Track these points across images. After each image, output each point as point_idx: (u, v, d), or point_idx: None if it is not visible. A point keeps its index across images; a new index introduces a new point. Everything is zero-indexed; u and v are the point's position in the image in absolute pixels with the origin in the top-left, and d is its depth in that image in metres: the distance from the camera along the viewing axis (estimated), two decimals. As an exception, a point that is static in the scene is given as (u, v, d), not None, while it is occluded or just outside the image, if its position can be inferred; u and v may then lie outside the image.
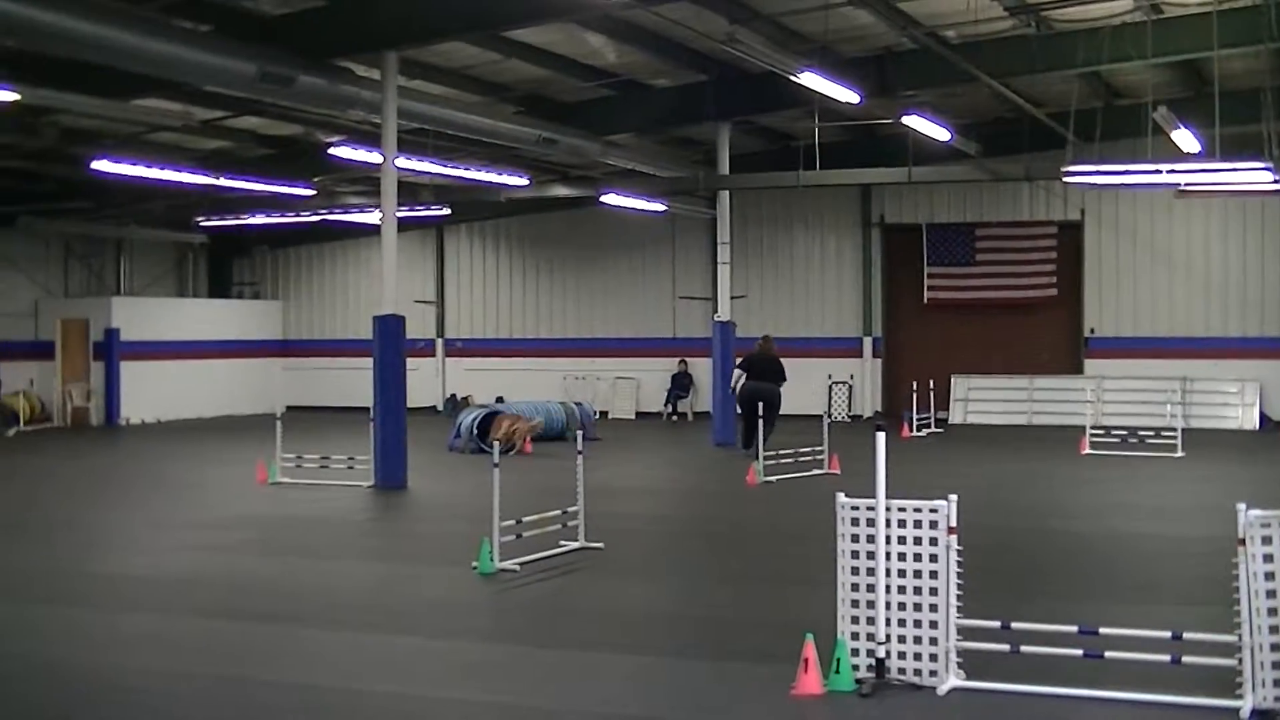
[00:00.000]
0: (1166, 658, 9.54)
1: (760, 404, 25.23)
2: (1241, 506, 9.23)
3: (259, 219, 36.54)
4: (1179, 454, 26.65)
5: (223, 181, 30.39)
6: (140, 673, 10.72)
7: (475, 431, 28.44)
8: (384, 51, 22.14)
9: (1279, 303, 35.03)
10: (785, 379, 27.65)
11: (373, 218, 32.38)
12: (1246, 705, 9.05)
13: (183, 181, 29.83)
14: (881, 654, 9.82)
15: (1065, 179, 28.68)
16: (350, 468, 22.95)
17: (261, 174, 31.50)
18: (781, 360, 27.88)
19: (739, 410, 27.96)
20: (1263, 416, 34.32)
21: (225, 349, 42.00)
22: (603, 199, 33.56)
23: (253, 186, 31.34)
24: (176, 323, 40.76)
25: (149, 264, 42.60)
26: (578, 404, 32.84)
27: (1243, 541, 9.16)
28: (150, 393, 38.98)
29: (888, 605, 9.83)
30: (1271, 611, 9.06)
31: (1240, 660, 9.17)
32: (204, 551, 16.60)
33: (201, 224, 38.07)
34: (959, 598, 9.80)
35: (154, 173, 27.94)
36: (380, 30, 21.81)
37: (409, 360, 23.81)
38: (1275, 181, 27.78)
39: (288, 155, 32.83)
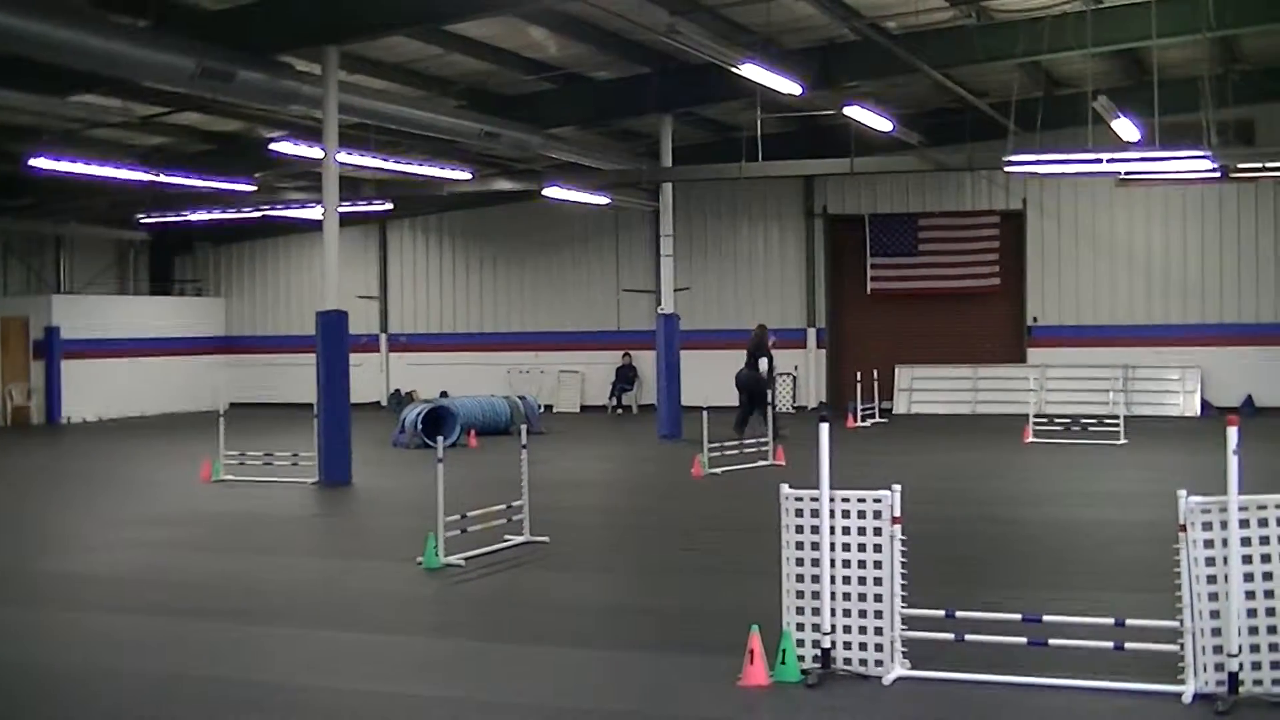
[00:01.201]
0: (1110, 644, 9.59)
1: (742, 391, 27.07)
2: (1182, 493, 9.30)
3: (200, 215, 36.38)
4: (1121, 441, 26.80)
5: (163, 178, 30.19)
6: (88, 671, 10.65)
7: (420, 427, 28.33)
8: (324, 46, 22.01)
9: (1219, 290, 35.31)
10: (760, 366, 28.58)
11: (315, 213, 32.21)
12: (1189, 690, 9.11)
13: (123, 178, 29.61)
14: (827, 644, 9.83)
15: (1007, 168, 28.83)
16: (294, 464, 22.85)
17: (202, 170, 31.31)
18: (765, 347, 28.91)
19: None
20: (1204, 403, 34.55)
21: (168, 346, 41.74)
22: (546, 192, 33.54)
23: (194, 183, 31.16)
24: (118, 320, 40.47)
25: (90, 261, 42.28)
26: (522, 398, 32.77)
27: (1184, 528, 9.22)
28: (92, 391, 38.71)
29: (833, 596, 9.84)
30: (1212, 597, 9.12)
31: (1182, 646, 9.23)
32: (149, 549, 16.50)
33: (142, 221, 37.77)
34: (904, 587, 9.82)
35: (93, 169, 27.77)
36: (320, 25, 21.70)
37: (352, 356, 23.69)
38: (1214, 169, 28.04)
39: (229, 151, 32.63)
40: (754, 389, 27.82)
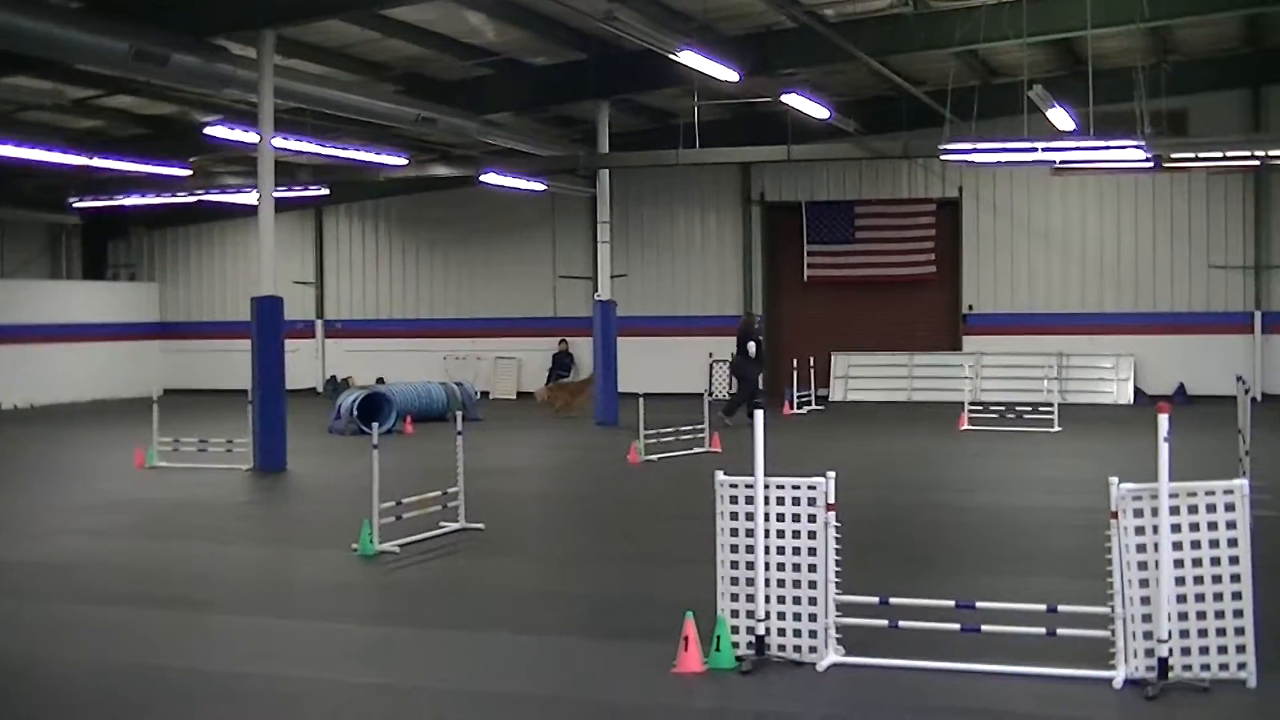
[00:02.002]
0: (1042, 630, 9.66)
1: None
2: (1114, 480, 9.37)
3: (134, 200, 36.09)
4: (1055, 429, 26.98)
5: (96, 161, 29.96)
6: (23, 661, 10.56)
7: (356, 413, 28.24)
8: (260, 30, 21.86)
9: (1153, 279, 35.57)
10: (741, 353, 29.14)
11: (250, 198, 31.98)
12: (1119, 675, 9.19)
13: (54, 161, 29.35)
14: (761, 631, 9.86)
15: (943, 157, 29.02)
16: (229, 450, 22.72)
17: (136, 154, 31.08)
18: (747, 335, 29.39)
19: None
20: (1137, 391, 34.81)
21: (101, 332, 41.37)
22: (483, 178, 33.44)
23: (127, 166, 30.94)
24: (50, 305, 40.08)
25: (21, 246, 41.90)
26: (459, 384, 32.69)
27: (1115, 514, 9.30)
28: (24, 377, 38.27)
29: (767, 583, 9.87)
30: (1143, 583, 9.20)
31: (1113, 631, 9.31)
32: (81, 537, 16.38)
33: (75, 205, 37.44)
34: (838, 574, 9.86)
35: (24, 152, 27.49)
36: (256, 8, 21.58)
37: (288, 342, 23.61)
38: (1148, 159, 28.24)
39: (163, 135, 32.41)
40: (736, 373, 28.04)
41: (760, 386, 27.27)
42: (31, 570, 14.39)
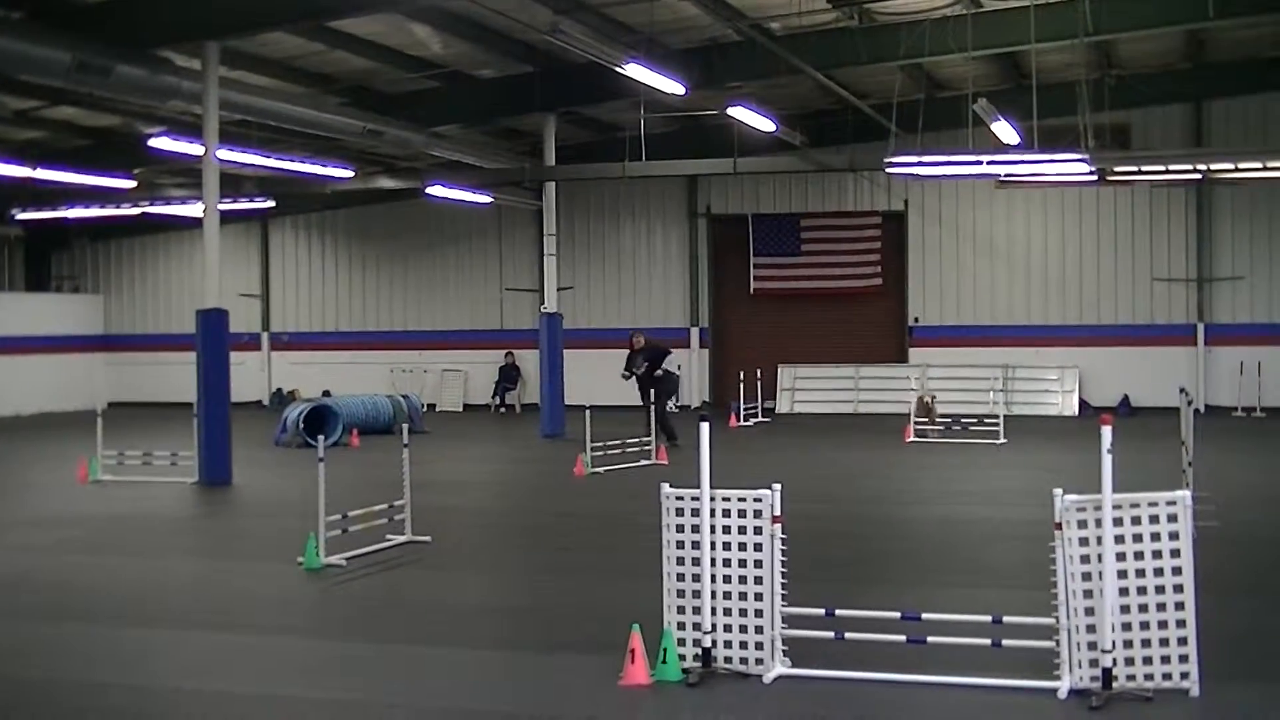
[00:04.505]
0: (988, 641, 9.70)
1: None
2: (1058, 491, 9.42)
3: (78, 211, 35.86)
4: (1001, 440, 27.10)
5: (39, 173, 29.76)
6: (-45, 677, 10.49)
7: (302, 426, 28.14)
8: (205, 41, 21.78)
9: (1097, 292, 35.81)
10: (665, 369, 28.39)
11: (195, 210, 31.80)
12: (1064, 685, 9.24)
13: (-4, 172, 29.17)
14: (708, 643, 9.86)
15: (888, 169, 29.11)
16: (174, 464, 22.60)
17: (80, 165, 30.92)
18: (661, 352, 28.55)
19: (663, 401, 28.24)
20: (1082, 403, 35.01)
21: (44, 344, 41.08)
22: (429, 191, 33.35)
23: (71, 178, 30.76)
24: (-8, 318, 39.84)
25: (-38, 258, 41.64)
26: (405, 396, 32.65)
27: (1059, 526, 9.35)
28: (-35, 390, 38.08)
29: (714, 595, 9.88)
30: (1087, 594, 9.25)
31: (1057, 642, 9.36)
32: (24, 552, 16.23)
33: (17, 216, 37.19)
34: (784, 586, 9.88)
35: (-35, 163, 27.33)
36: (201, 20, 21.47)
37: (234, 355, 23.49)
38: (1091, 173, 28.42)
39: (107, 146, 32.24)
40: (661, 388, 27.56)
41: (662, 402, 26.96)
42: (-29, 585, 14.28)
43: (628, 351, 28.13)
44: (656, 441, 24.82)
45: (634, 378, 27.79)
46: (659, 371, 27.78)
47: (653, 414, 25.53)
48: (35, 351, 40.54)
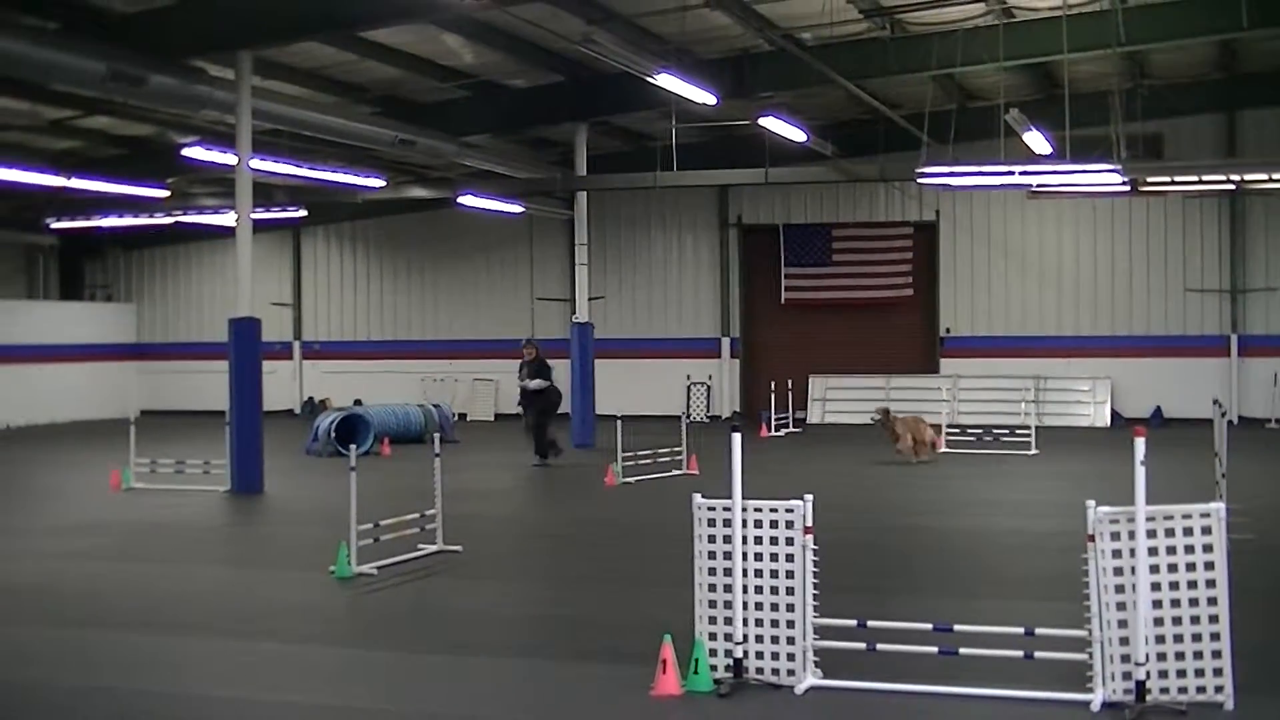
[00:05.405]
0: (1020, 653, 9.67)
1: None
2: (1091, 503, 9.38)
3: (111, 220, 35.96)
4: (1032, 451, 27.03)
5: (73, 182, 29.84)
6: (-8, 685, 10.53)
7: (333, 435, 28.19)
8: (237, 51, 21.89)
9: (1129, 302, 35.68)
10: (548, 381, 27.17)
11: (228, 219, 31.88)
12: (1097, 698, 9.20)
13: (31, 182, 29.23)
14: (739, 654, 9.85)
15: (920, 180, 29.02)
16: (206, 472, 22.70)
17: (113, 174, 31.00)
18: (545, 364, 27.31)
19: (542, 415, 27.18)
20: (1114, 414, 34.89)
21: (78, 353, 41.28)
22: (460, 200, 33.40)
23: (104, 187, 30.82)
24: (27, 326, 39.98)
25: (-4, 266, 41.84)
26: (436, 406, 32.70)
27: (1092, 538, 9.31)
28: (0, 397, 38.21)
29: (745, 605, 9.86)
30: (1120, 606, 9.21)
31: (1090, 654, 9.32)
32: (58, 559, 16.30)
33: (52, 225, 37.34)
34: (815, 597, 9.86)
35: (1, 173, 27.37)
36: (233, 30, 21.53)
37: (265, 363, 23.56)
38: (1123, 183, 28.30)
39: (140, 155, 32.36)
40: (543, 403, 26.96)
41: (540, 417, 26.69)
42: (3, 594, 14.28)
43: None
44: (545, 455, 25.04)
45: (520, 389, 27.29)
46: (539, 385, 26.79)
47: (526, 425, 25.29)
48: (69, 360, 40.72)
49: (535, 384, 26.59)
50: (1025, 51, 25.88)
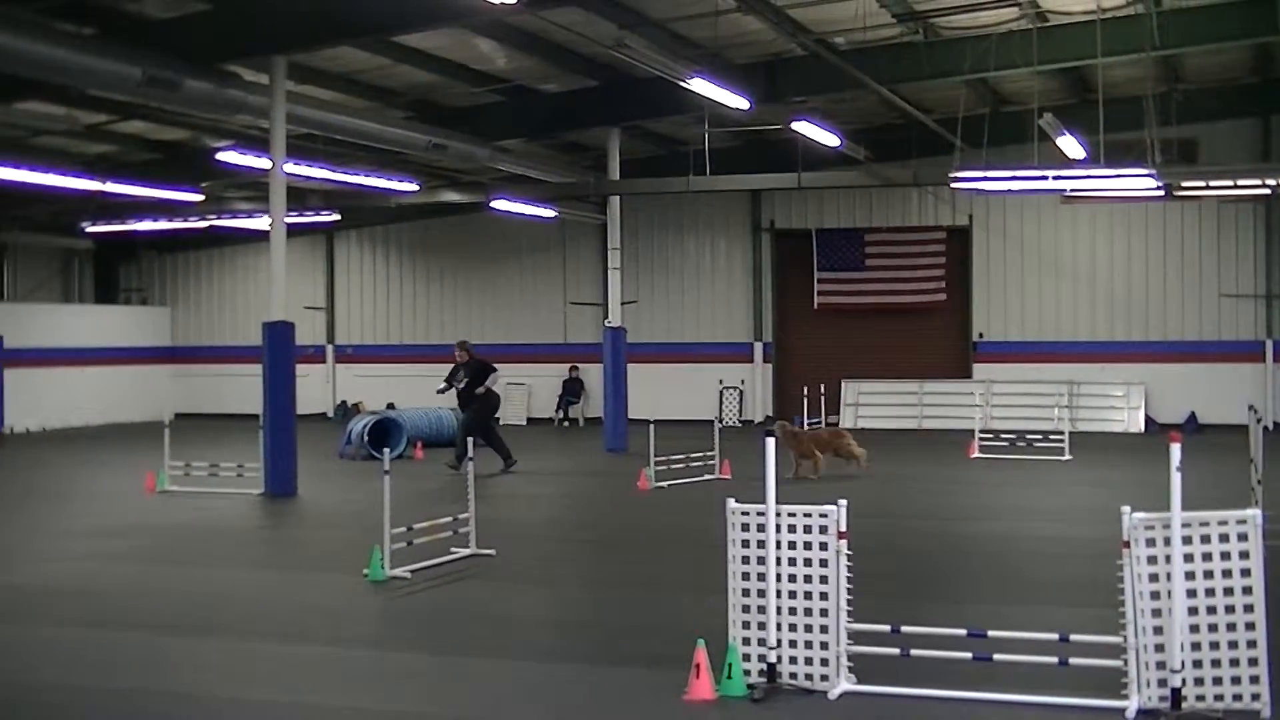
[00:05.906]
0: (1054, 659, 9.64)
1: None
2: (1126, 509, 9.35)
3: (146, 224, 36.11)
4: (1066, 457, 26.93)
5: (109, 186, 29.98)
6: (31, 686, 10.54)
7: (366, 438, 28.25)
8: (272, 56, 21.96)
9: (1163, 308, 35.57)
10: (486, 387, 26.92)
11: (262, 223, 31.96)
12: (1132, 705, 9.17)
13: (67, 186, 29.35)
14: (773, 659, 9.85)
15: (953, 184, 28.96)
16: (240, 475, 22.77)
17: (148, 179, 31.10)
18: (487, 368, 27.23)
19: (484, 421, 26.88)
20: (1148, 419, 34.78)
21: (113, 356, 41.46)
22: (493, 204, 33.46)
23: (139, 191, 30.93)
24: (62, 329, 40.17)
25: (33, 270, 41.97)
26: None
27: (1127, 544, 9.28)
28: (36, 400, 38.37)
29: (779, 610, 9.86)
30: (1155, 613, 9.18)
31: (1125, 661, 9.29)
32: (93, 561, 16.38)
33: (87, 229, 37.52)
34: (849, 602, 9.85)
35: (37, 177, 27.49)
36: (268, 34, 21.61)
37: (299, 367, 23.62)
38: (1158, 188, 28.23)
39: (175, 160, 32.47)
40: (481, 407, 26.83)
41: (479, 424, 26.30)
42: (40, 595, 14.36)
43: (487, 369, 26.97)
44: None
45: (452, 390, 27.09)
46: (480, 389, 26.63)
47: (460, 430, 25.17)
48: (104, 362, 40.90)
49: (481, 388, 26.60)
50: (1059, 56, 25.81)
